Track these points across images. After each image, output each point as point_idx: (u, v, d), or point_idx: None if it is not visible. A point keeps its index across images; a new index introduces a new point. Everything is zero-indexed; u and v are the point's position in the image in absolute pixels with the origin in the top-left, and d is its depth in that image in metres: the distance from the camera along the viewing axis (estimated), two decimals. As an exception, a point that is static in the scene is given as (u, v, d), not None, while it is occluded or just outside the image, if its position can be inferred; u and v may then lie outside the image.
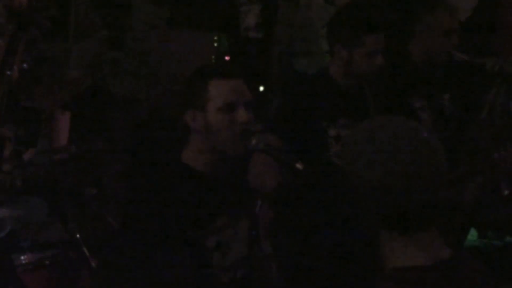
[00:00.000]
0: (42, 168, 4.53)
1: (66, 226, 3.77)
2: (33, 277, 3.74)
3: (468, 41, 4.81)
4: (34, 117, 5.06)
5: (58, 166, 4.43)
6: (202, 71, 3.31)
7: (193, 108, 3.17)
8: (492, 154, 4.06)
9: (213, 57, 5.45)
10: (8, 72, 2.85)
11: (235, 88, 3.20)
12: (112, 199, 4.47)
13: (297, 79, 5.69)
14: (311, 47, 6.06)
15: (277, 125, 3.91)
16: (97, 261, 3.76)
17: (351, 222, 1.91)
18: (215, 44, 5.49)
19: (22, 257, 3.83)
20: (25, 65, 2.85)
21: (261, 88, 5.57)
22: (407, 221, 2.13)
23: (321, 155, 3.80)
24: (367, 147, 2.13)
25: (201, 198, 3.13)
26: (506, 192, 4.04)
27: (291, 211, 3.63)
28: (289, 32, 6.09)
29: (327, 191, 1.99)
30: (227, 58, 5.54)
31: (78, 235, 3.74)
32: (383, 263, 2.06)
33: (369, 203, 1.98)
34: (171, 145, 3.35)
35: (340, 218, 1.92)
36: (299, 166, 3.21)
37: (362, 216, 1.92)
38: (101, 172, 4.67)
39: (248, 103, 3.19)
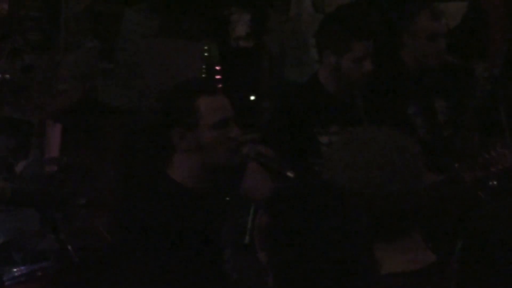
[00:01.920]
0: (33, 180, 4.52)
1: (57, 237, 3.74)
2: (25, 288, 3.72)
3: (458, 46, 4.80)
4: (25, 129, 5.04)
5: (50, 178, 4.41)
6: (186, 88, 3.29)
7: (180, 127, 3.13)
8: (483, 155, 4.07)
9: (203, 66, 5.43)
10: None
11: (223, 104, 3.19)
12: (104, 210, 4.44)
13: (288, 88, 5.69)
14: (302, 56, 6.07)
15: (269, 134, 3.91)
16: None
17: (343, 230, 1.90)
18: (206, 54, 5.48)
19: (14, 269, 3.80)
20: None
21: (252, 97, 5.56)
22: (388, 228, 2.15)
23: (313, 163, 3.79)
24: (349, 156, 2.17)
25: (193, 215, 3.12)
26: (494, 183, 4.05)
27: (283, 219, 3.63)
28: (280, 42, 6.10)
29: (318, 199, 1.98)
30: (217, 67, 5.52)
31: (69, 246, 3.70)
32: (378, 270, 2.06)
33: (362, 211, 1.98)
34: (159, 161, 3.33)
35: (331, 226, 1.90)
36: (290, 174, 3.20)
37: (354, 224, 1.91)
38: (92, 183, 4.66)
39: (234, 117, 3.19)
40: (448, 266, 2.18)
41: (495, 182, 4.10)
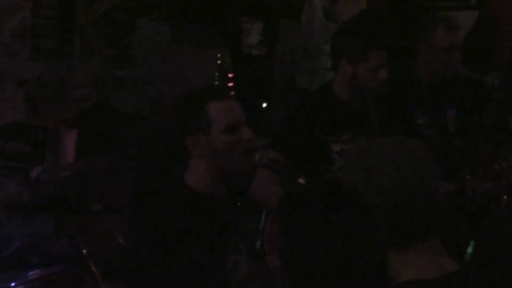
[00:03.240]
0: (49, 185, 4.54)
1: (72, 242, 3.77)
2: (41, 292, 3.75)
3: (468, 57, 4.81)
4: (41, 134, 5.07)
5: (65, 183, 4.43)
6: (196, 95, 3.30)
7: (194, 133, 3.14)
8: (494, 166, 4.07)
9: (216, 74, 5.45)
10: None
11: (233, 108, 3.19)
12: (118, 215, 4.47)
13: (299, 95, 5.70)
14: (313, 64, 6.07)
15: (281, 141, 3.91)
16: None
17: (355, 235, 1.91)
18: (219, 62, 5.50)
19: (30, 273, 3.84)
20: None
21: (264, 105, 5.58)
22: (406, 234, 2.14)
23: (325, 170, 3.80)
24: (367, 164, 2.16)
25: (208, 221, 3.13)
26: (505, 197, 4.05)
27: (294, 224, 3.64)
28: (291, 50, 6.10)
29: (329, 206, 1.99)
30: (230, 75, 5.55)
31: (84, 251, 3.74)
32: (390, 278, 2.06)
33: (374, 218, 1.98)
34: (174, 167, 3.35)
35: (344, 232, 1.92)
36: (301, 180, 3.21)
37: (366, 230, 1.92)
38: (106, 188, 4.68)
39: (245, 120, 3.19)
40: (470, 275, 2.19)
41: (505, 197, 4.11)
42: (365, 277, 1.89)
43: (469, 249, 4.28)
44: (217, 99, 3.17)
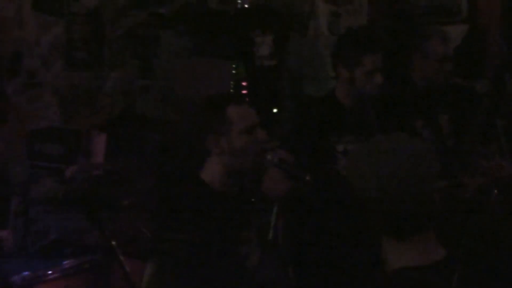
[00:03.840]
0: (81, 182, 4.55)
1: (102, 234, 3.77)
2: (74, 279, 3.76)
3: (459, 65, 4.80)
4: (74, 138, 5.08)
5: (96, 181, 4.45)
6: (217, 100, 3.31)
7: (215, 133, 3.16)
8: (483, 164, 4.07)
9: (232, 82, 5.45)
10: None
11: (249, 112, 3.21)
12: (143, 210, 4.47)
13: (306, 101, 5.70)
14: (318, 73, 6.07)
15: (289, 142, 3.92)
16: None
17: (355, 227, 1.92)
18: (234, 71, 5.50)
19: (64, 262, 3.85)
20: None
21: (275, 110, 5.57)
22: (403, 227, 2.13)
23: (330, 168, 3.80)
24: (368, 162, 2.15)
25: (222, 214, 3.13)
26: (495, 192, 4.05)
27: (300, 218, 3.65)
28: (299, 60, 6.10)
29: (333, 200, 2.00)
30: (244, 83, 5.55)
31: (113, 242, 3.74)
32: (384, 265, 2.06)
33: (371, 211, 1.98)
34: (193, 165, 3.35)
35: (345, 223, 1.93)
36: (308, 178, 3.22)
37: (365, 221, 1.92)
38: (133, 185, 4.68)
39: (261, 123, 3.21)
40: (458, 262, 2.20)
41: (495, 191, 4.10)
42: (362, 266, 1.90)
43: (463, 240, 4.27)
44: (236, 104, 3.19)
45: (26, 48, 4.98)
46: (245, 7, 5.76)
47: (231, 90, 5.41)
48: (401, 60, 4.44)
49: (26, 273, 3.60)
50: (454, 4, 5.97)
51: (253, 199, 3.43)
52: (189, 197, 3.18)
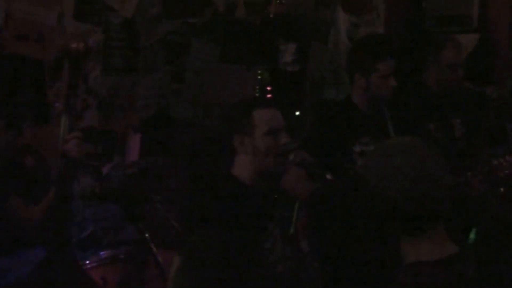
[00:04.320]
0: (117, 179, 4.56)
1: (137, 227, 3.78)
2: (110, 269, 3.76)
3: (471, 72, 4.77)
4: (111, 138, 5.09)
5: (130, 178, 4.45)
6: (245, 102, 3.31)
7: (240, 134, 3.15)
8: (491, 162, 4.04)
9: (257, 87, 5.45)
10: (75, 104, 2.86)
11: (275, 116, 3.20)
12: (175, 205, 4.47)
13: (326, 105, 5.68)
14: (338, 79, 6.05)
15: (311, 143, 3.90)
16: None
17: (374, 223, 1.89)
18: (259, 77, 5.49)
19: (101, 253, 3.85)
20: (85, 96, 2.85)
21: (297, 113, 5.56)
22: (416, 224, 2.13)
23: (348, 168, 3.78)
24: (385, 162, 2.15)
25: (250, 207, 3.12)
26: (502, 189, 4.01)
27: (322, 214, 3.63)
28: (320, 67, 6.09)
29: (353, 198, 1.98)
30: (268, 88, 5.54)
31: (147, 235, 3.74)
32: (402, 259, 2.05)
33: (388, 207, 1.97)
34: (223, 161, 3.35)
35: (364, 219, 1.90)
36: (329, 176, 3.20)
37: (385, 220, 1.91)
38: (165, 182, 4.68)
39: (284, 127, 3.19)
40: (468, 256, 2.18)
41: (502, 189, 4.06)
42: (381, 259, 1.88)
43: (471, 235, 4.23)
44: (262, 107, 3.19)
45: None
46: (270, 17, 5.76)
47: (256, 94, 5.41)
48: (416, 66, 4.41)
49: (65, 263, 3.60)
50: (466, 15, 5.95)
51: (276, 196, 3.42)
52: (219, 192, 3.18)
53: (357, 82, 4.00)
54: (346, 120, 3.98)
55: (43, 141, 4.79)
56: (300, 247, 3.37)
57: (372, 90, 3.96)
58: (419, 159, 2.14)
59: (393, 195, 2.09)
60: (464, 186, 4.00)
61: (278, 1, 5.78)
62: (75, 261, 3.46)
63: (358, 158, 3.85)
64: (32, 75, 4.82)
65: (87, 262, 3.74)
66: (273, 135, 3.14)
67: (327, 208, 1.98)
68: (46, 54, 4.88)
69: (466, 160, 4.33)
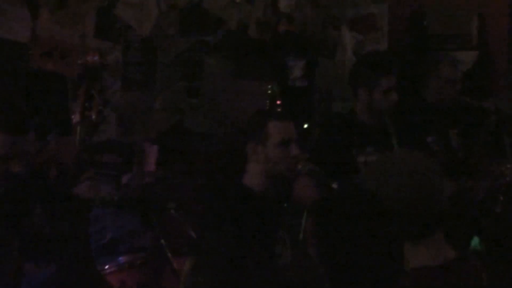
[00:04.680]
0: (135, 189, 4.56)
1: (153, 234, 3.76)
2: (128, 274, 3.74)
3: (470, 86, 4.76)
4: (129, 149, 5.10)
5: (148, 187, 4.45)
6: (260, 114, 3.32)
7: (254, 142, 3.16)
8: (491, 171, 4.02)
9: (267, 101, 5.45)
10: (91, 115, 2.85)
11: (288, 128, 3.19)
12: (190, 213, 4.46)
13: (333, 118, 5.67)
14: (345, 93, 6.04)
15: (318, 154, 3.89)
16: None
17: (379, 230, 1.88)
18: (269, 91, 5.49)
19: (120, 258, 3.84)
20: (101, 107, 2.84)
21: (305, 125, 5.56)
22: (416, 230, 2.11)
23: (353, 177, 3.76)
24: (385, 172, 2.15)
25: (261, 215, 3.12)
26: (501, 198, 3.98)
27: (327, 221, 3.62)
28: (327, 82, 6.09)
29: (357, 206, 1.98)
30: (278, 102, 5.53)
31: (162, 241, 3.73)
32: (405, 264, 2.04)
33: (390, 214, 1.96)
34: (235, 171, 3.34)
35: (368, 226, 1.89)
36: (334, 185, 3.19)
37: (388, 227, 1.90)
38: (181, 191, 4.68)
39: (296, 139, 3.20)
40: (467, 261, 2.16)
41: (501, 197, 4.04)
42: (385, 265, 1.87)
43: (473, 242, 4.21)
44: (277, 119, 3.19)
45: (88, 71, 5.01)
46: (280, 35, 5.77)
47: (267, 107, 5.41)
48: (416, 81, 4.40)
49: (86, 267, 3.60)
50: (466, 33, 5.95)
51: (285, 204, 3.42)
52: (231, 200, 3.18)
53: (360, 96, 3.98)
54: (350, 132, 3.97)
55: (66, 153, 4.81)
56: (308, 252, 3.36)
57: (374, 104, 3.95)
58: (418, 170, 2.13)
59: (394, 203, 2.08)
60: (466, 192, 3.98)
61: (287, 20, 5.80)
62: (93, 267, 3.44)
63: (362, 168, 3.84)
64: (56, 89, 4.84)
65: (106, 267, 3.72)
66: (284, 146, 3.14)
67: (332, 216, 1.97)
68: (69, 70, 4.90)
69: (465, 170, 4.31)
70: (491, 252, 4.46)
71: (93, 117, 2.84)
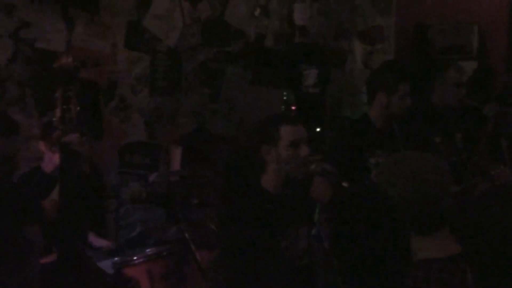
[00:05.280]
0: (161, 186, 4.56)
1: (178, 227, 3.77)
2: (155, 264, 3.74)
3: (471, 92, 4.73)
4: (156, 150, 5.10)
5: (173, 184, 4.45)
6: (273, 118, 3.32)
7: (267, 145, 3.16)
8: (490, 172, 4.00)
9: (283, 107, 5.43)
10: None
11: (298, 131, 3.20)
12: (210, 208, 4.46)
13: (344, 122, 5.65)
14: (354, 99, 6.03)
15: (331, 155, 3.87)
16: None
17: (388, 225, 1.87)
18: (284, 98, 5.48)
19: (147, 250, 3.84)
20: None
21: (318, 129, 5.54)
22: (423, 225, 2.10)
23: (364, 177, 3.75)
24: (396, 172, 2.14)
25: (275, 214, 3.12)
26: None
27: (341, 217, 3.60)
28: (338, 89, 6.07)
29: (368, 202, 1.97)
30: (293, 108, 5.52)
31: (186, 235, 3.73)
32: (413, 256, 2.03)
33: (400, 211, 1.95)
34: (253, 172, 3.34)
35: (378, 221, 1.88)
36: (345, 184, 3.18)
37: (396, 220, 1.88)
38: (203, 188, 4.68)
39: (306, 140, 3.20)
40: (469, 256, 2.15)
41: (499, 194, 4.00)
42: (393, 256, 1.86)
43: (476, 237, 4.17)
44: (288, 123, 3.20)
45: (119, 78, 5.02)
46: (295, 46, 5.75)
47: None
48: (422, 88, 4.37)
49: (116, 258, 3.61)
50: (467, 44, 5.93)
51: (299, 201, 3.41)
52: (249, 199, 3.18)
53: (378, 100, 3.96)
54: (362, 135, 3.95)
55: (97, 154, 4.82)
56: (323, 244, 3.35)
57: (391, 108, 3.94)
58: (426, 169, 2.13)
59: (403, 200, 2.08)
60: (466, 191, 3.95)
61: (301, 32, 5.79)
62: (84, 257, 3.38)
63: (373, 169, 3.82)
64: (89, 96, 4.85)
65: (135, 258, 3.72)
66: (295, 147, 3.15)
67: (345, 212, 1.96)
68: (101, 78, 4.91)
69: (468, 169, 4.29)
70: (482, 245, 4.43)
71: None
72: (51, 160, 3.37)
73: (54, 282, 2.76)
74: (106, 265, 3.56)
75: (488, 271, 1.85)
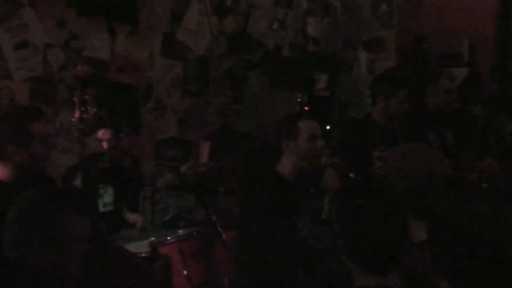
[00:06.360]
0: (192, 176, 4.56)
1: (206, 211, 3.75)
2: (186, 244, 3.72)
3: (462, 96, 4.69)
4: (187, 145, 5.11)
5: (202, 175, 4.44)
6: (292, 116, 3.32)
7: (287, 139, 3.15)
8: (477, 164, 3.97)
9: (297, 107, 5.42)
10: (84, 115, 2.79)
11: (314, 126, 3.20)
12: (234, 195, 4.45)
13: (351, 121, 5.63)
14: (359, 101, 6.01)
15: (339, 150, 3.86)
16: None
17: (390, 211, 1.85)
18: (299, 100, 5.46)
19: (180, 231, 3.83)
20: (94, 109, 2.79)
21: (328, 127, 5.51)
22: (422, 209, 2.07)
23: (368, 169, 3.73)
24: (398, 163, 2.12)
25: (289, 197, 3.11)
26: (485, 185, 3.91)
27: (346, 204, 3.58)
28: (346, 92, 6.05)
29: (372, 192, 1.95)
30: (306, 108, 5.50)
31: (214, 217, 3.72)
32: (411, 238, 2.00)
33: (401, 199, 1.93)
34: (270, 161, 3.34)
35: (380, 207, 1.85)
36: (351, 175, 3.17)
37: (396, 207, 1.86)
38: (228, 178, 4.67)
39: (321, 135, 3.19)
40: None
41: (485, 185, 3.96)
42: (394, 239, 1.84)
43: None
44: (305, 119, 3.19)
45: (155, 82, 5.03)
46: (308, 54, 5.74)
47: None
48: (419, 91, 4.34)
49: (152, 238, 3.60)
50: (459, 53, 5.90)
51: (311, 189, 3.40)
52: (267, 183, 3.18)
53: (379, 104, 3.94)
54: (367, 132, 3.94)
55: (136, 148, 4.83)
56: (333, 228, 3.34)
57: (389, 111, 3.91)
58: (425, 159, 2.11)
59: (403, 187, 2.06)
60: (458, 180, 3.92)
61: (313, 42, 5.76)
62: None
63: (377, 162, 3.80)
64: (129, 97, 4.86)
65: (168, 238, 3.71)
66: (312, 140, 3.14)
67: (351, 199, 1.95)
68: (140, 82, 4.92)
69: (457, 163, 4.25)
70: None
71: (89, 118, 2.78)
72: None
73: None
74: (143, 244, 3.56)
75: (446, 258, 1.78)
